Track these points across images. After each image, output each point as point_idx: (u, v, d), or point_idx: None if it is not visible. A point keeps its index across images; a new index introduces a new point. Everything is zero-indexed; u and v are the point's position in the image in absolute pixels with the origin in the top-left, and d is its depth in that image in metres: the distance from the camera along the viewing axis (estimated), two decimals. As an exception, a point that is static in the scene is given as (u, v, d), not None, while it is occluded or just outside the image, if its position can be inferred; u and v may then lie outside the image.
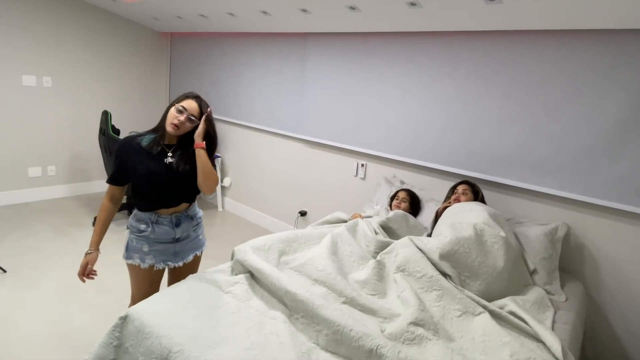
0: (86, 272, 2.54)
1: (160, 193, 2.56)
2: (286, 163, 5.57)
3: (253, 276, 2.59)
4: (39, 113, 5.92)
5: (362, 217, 3.57)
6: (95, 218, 5.32)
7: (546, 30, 3.30)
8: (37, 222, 5.35)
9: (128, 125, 6.81)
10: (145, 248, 2.60)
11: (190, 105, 2.47)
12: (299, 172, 5.42)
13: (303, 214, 5.38)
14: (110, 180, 2.55)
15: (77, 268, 4.22)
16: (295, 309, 2.29)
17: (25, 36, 5.61)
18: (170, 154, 2.54)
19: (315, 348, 2.11)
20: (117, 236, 5.12)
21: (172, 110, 2.46)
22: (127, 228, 2.66)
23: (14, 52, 5.56)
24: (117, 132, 5.16)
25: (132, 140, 2.52)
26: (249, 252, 2.67)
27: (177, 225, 2.66)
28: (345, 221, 3.53)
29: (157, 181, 2.52)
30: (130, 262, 2.63)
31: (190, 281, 2.51)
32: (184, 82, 6.99)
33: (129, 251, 2.63)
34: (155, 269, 2.66)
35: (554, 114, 3.33)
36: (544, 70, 3.35)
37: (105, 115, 5.12)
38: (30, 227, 5.18)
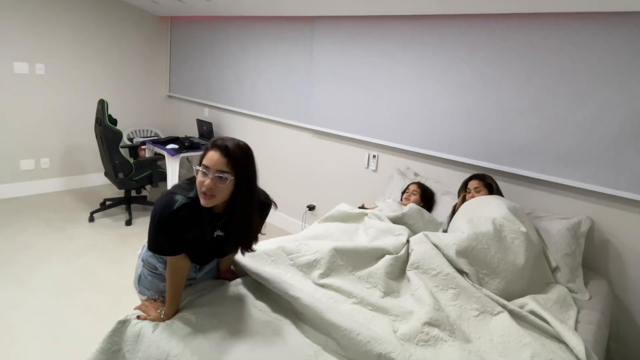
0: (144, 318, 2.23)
1: (198, 257, 2.33)
2: (293, 154, 5.57)
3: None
4: (32, 102, 5.94)
5: (368, 209, 3.57)
6: (91, 214, 5.38)
7: (568, 13, 3.27)
8: (29, 217, 5.38)
9: (126, 115, 6.85)
10: (162, 286, 2.35)
11: (213, 159, 2.03)
12: (306, 164, 5.42)
13: (311, 208, 5.37)
14: (159, 252, 2.24)
15: (72, 266, 4.28)
16: (301, 311, 2.30)
17: (16, 21, 5.62)
18: (218, 226, 2.24)
19: (323, 351, 2.10)
20: (115, 232, 5.14)
21: (198, 175, 2.06)
22: (142, 260, 2.43)
23: (5, 37, 5.58)
24: (114, 122, 5.16)
25: (177, 214, 2.07)
26: (247, 257, 2.66)
27: (200, 269, 2.49)
28: (352, 214, 3.52)
29: (200, 251, 2.28)
30: (143, 298, 2.43)
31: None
32: (184, 69, 6.99)
33: (141, 286, 2.44)
34: None
35: (578, 101, 3.31)
36: (566, 54, 3.32)
37: (102, 104, 5.13)
38: (22, 222, 5.21)
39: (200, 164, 2.05)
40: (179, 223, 2.08)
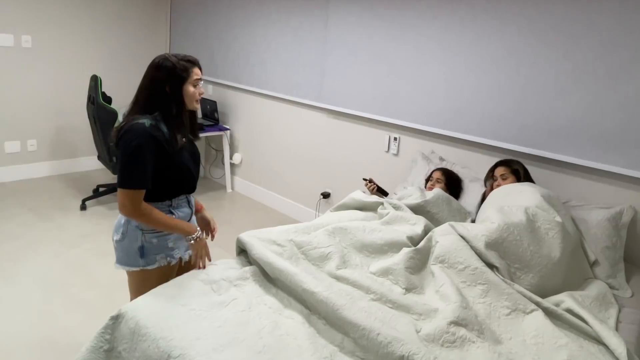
0: (210, 257, 2.66)
1: (191, 179, 2.60)
2: (306, 136, 5.57)
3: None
4: (17, 78, 5.96)
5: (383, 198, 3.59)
6: (82, 201, 5.40)
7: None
8: (15, 205, 5.42)
9: (121, 93, 6.82)
10: (171, 243, 2.55)
11: (199, 72, 2.52)
12: (321, 147, 5.42)
13: (326, 196, 5.38)
14: (144, 185, 2.35)
15: (62, 258, 4.30)
16: (315, 308, 2.31)
17: (0, -10, 5.62)
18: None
19: (339, 352, 2.10)
20: (109, 222, 5.17)
21: (190, 88, 2.47)
22: (140, 229, 2.47)
23: (-12, 8, 5.59)
24: (109, 100, 5.18)
25: (155, 133, 2.35)
26: (256, 243, 2.67)
27: (189, 202, 2.67)
28: (367, 202, 3.51)
29: (190, 168, 2.57)
30: (154, 266, 2.52)
31: (192, 275, 2.51)
32: (186, 42, 6.99)
33: (147, 256, 2.50)
34: (183, 261, 2.67)
35: (621, 78, 3.28)
36: (608, 27, 3.28)
37: (95, 81, 5.15)
38: (7, 211, 5.25)
39: (194, 80, 2.48)
40: (160, 142, 2.38)
